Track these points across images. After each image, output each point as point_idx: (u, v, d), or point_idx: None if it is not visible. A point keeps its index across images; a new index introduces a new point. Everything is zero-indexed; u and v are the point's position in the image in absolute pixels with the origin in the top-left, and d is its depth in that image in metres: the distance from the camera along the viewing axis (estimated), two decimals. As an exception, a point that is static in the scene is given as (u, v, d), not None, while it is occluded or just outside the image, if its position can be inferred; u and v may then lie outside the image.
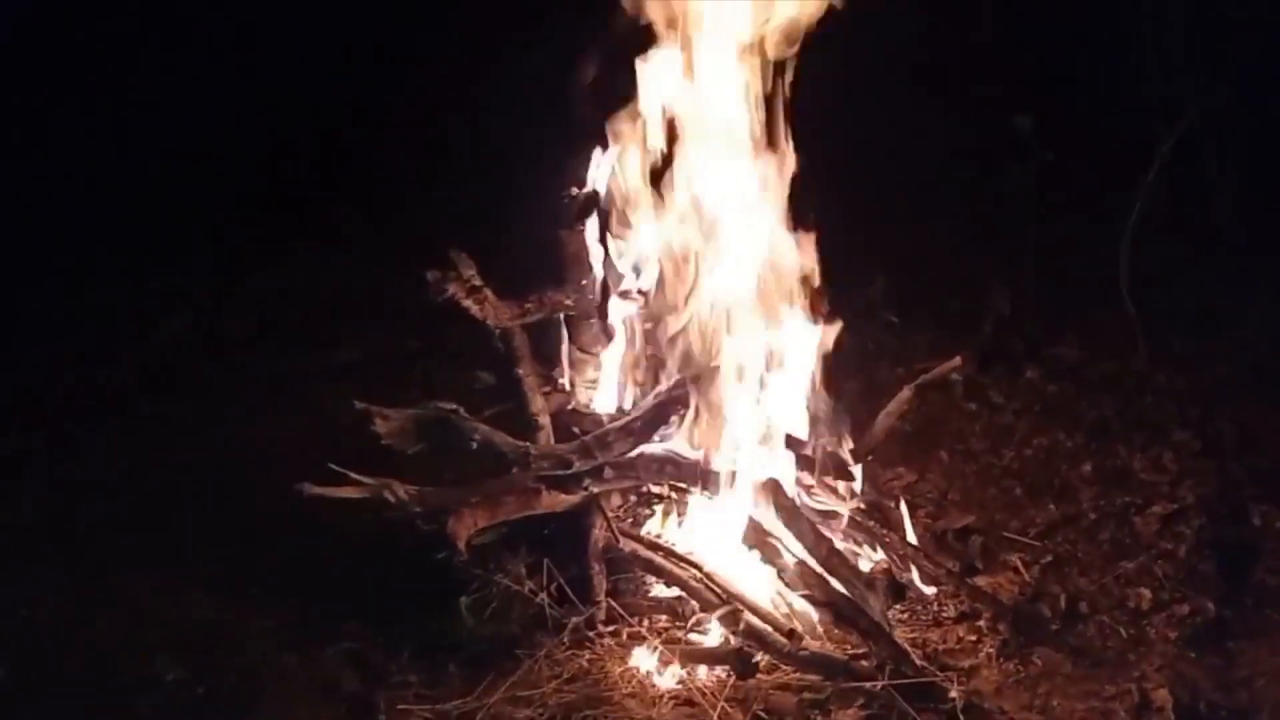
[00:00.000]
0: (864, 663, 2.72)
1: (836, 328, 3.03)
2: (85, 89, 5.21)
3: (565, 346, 3.08)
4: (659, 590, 2.98)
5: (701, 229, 2.90)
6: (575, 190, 2.89)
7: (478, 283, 2.68)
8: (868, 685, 2.65)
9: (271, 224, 5.13)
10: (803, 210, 3.06)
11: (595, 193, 2.91)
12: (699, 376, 2.92)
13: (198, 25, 5.27)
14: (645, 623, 2.90)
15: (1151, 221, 4.47)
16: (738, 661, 2.73)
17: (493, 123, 4.98)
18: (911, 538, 3.14)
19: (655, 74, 2.87)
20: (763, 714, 2.64)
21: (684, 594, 2.91)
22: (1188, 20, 4.84)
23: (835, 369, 3.25)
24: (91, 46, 5.24)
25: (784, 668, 2.77)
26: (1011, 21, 5.29)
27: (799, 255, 2.99)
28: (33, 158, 4.99)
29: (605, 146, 2.89)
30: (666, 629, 2.90)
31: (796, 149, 3.02)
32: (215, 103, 5.30)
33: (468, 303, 2.68)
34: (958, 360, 3.16)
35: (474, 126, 5.16)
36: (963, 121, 5.01)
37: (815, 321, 3.03)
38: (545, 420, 2.95)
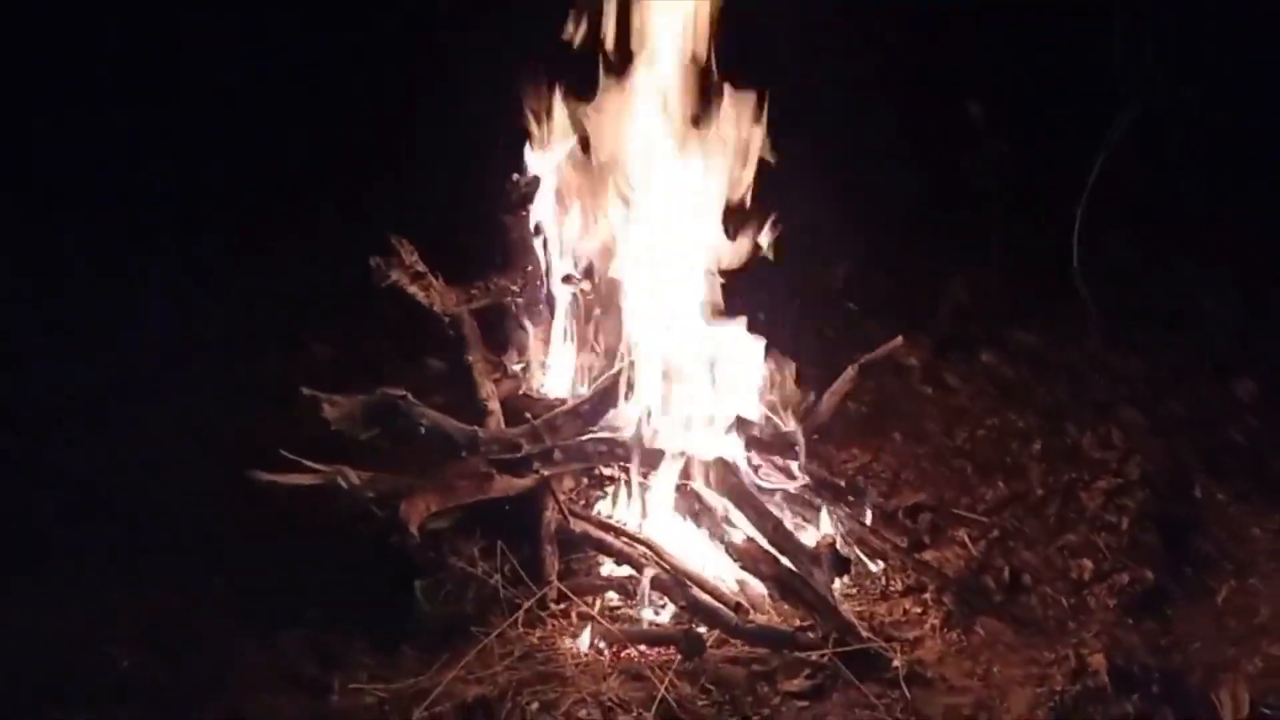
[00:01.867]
0: (810, 634, 2.79)
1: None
2: (55, 87, 5.24)
3: (514, 332, 3.15)
4: (611, 569, 3.04)
5: (641, 211, 2.97)
6: (517, 176, 2.95)
7: (421, 268, 2.73)
8: (813, 656, 2.72)
9: (243, 223, 5.18)
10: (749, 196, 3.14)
11: (537, 178, 2.97)
12: (643, 360, 2.98)
13: (168, 23, 5.30)
14: (597, 602, 2.96)
15: (1106, 209, 4.56)
16: (685, 642, 2.78)
17: (461, 119, 5.02)
18: (865, 515, 3.21)
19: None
20: (711, 687, 2.69)
21: (635, 572, 2.97)
22: (1149, 8, 4.91)
23: (789, 351, 3.34)
24: (60, 43, 5.27)
25: (733, 641, 2.83)
26: (971, 8, 5.36)
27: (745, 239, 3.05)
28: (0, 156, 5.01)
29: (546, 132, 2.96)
30: (618, 607, 2.97)
31: (746, 132, 3.09)
32: (186, 101, 5.34)
33: (412, 289, 2.73)
34: (899, 339, 3.22)
35: (443, 123, 5.20)
36: (920, 109, 5.08)
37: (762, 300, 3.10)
38: (495, 405, 3.00)
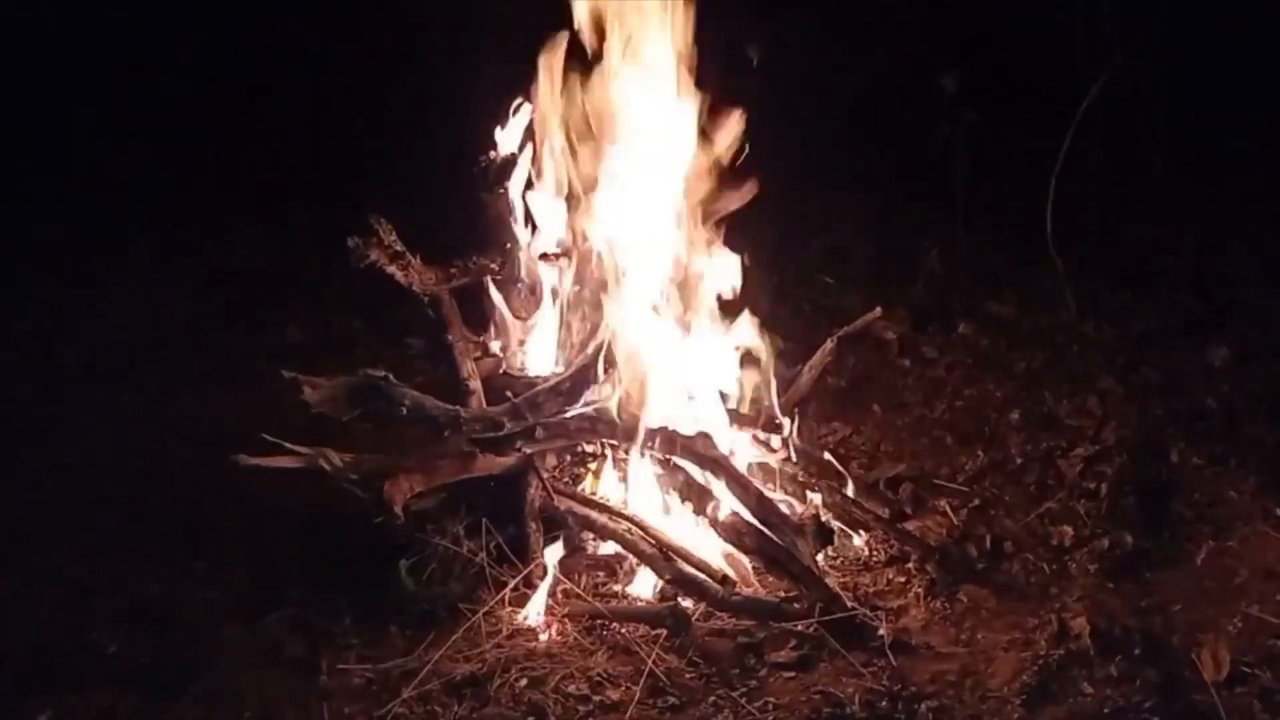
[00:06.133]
0: (796, 605, 2.80)
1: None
2: (18, 73, 5.17)
3: (495, 311, 3.13)
4: (596, 546, 3.04)
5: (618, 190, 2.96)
6: (493, 154, 2.93)
7: (400, 248, 2.72)
8: (799, 626, 2.73)
9: (213, 206, 5.14)
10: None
11: (513, 155, 2.95)
12: (624, 336, 2.97)
13: (139, 6, 5.25)
14: (583, 579, 2.96)
15: (1080, 180, 4.59)
16: (671, 620, 2.79)
17: (433, 101, 4.99)
18: (846, 486, 3.22)
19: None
20: (698, 660, 2.71)
21: (620, 548, 2.97)
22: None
23: (769, 325, 3.35)
24: (28, 29, 5.20)
25: (719, 614, 2.84)
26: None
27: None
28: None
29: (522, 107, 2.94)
30: (604, 584, 2.97)
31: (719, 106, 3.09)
32: (155, 83, 5.29)
33: (391, 269, 2.71)
34: (878, 311, 3.23)
35: (417, 107, 5.17)
36: (892, 82, 5.08)
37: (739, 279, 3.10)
38: (476, 384, 2.99)
